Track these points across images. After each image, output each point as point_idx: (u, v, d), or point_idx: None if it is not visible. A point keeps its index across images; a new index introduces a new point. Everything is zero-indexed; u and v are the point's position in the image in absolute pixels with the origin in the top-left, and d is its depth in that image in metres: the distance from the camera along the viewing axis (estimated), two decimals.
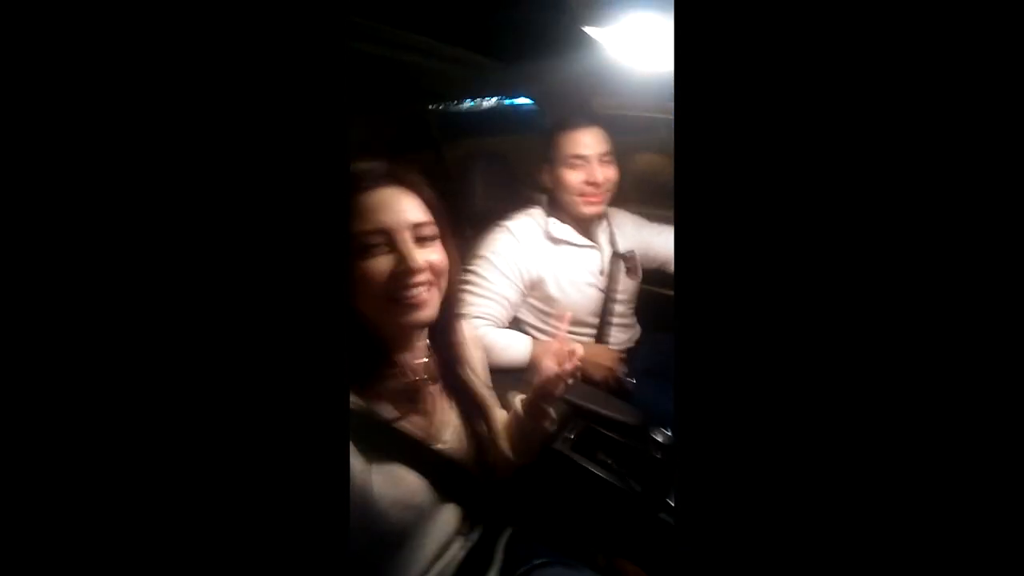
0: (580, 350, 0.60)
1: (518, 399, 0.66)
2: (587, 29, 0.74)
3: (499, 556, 0.63)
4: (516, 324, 1.06)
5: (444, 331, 0.60)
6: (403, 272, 0.50)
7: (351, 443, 0.49)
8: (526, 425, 0.65)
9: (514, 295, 1.00)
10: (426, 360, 0.59)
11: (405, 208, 0.52)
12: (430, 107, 1.33)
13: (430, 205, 0.54)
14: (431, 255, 0.52)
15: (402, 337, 0.57)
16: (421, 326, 0.54)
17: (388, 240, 0.51)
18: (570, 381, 0.60)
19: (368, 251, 0.50)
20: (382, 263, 0.50)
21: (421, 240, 0.53)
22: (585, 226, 1.07)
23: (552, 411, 0.66)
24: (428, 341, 0.61)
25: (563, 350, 0.60)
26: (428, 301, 0.53)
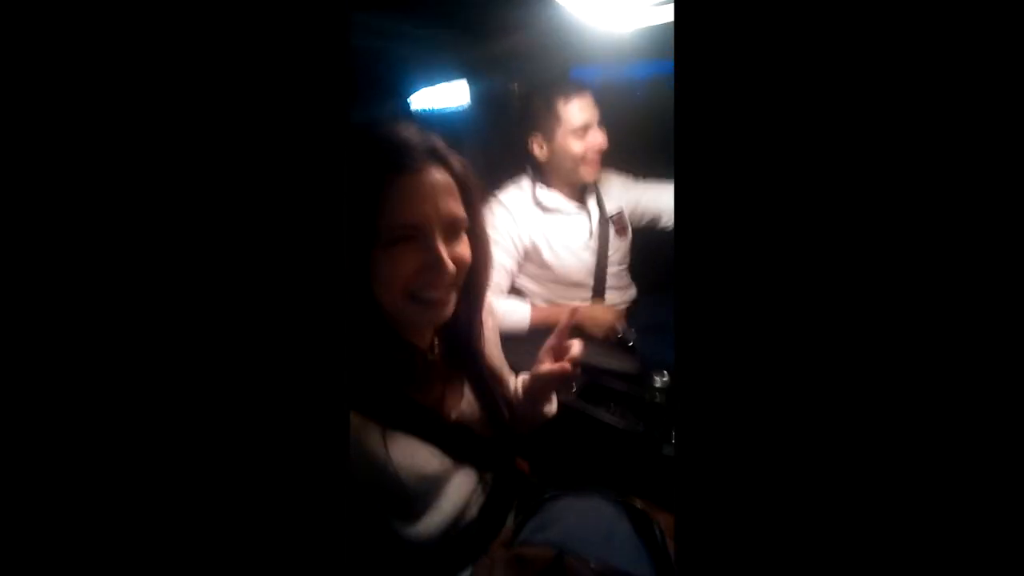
0: (577, 348, 0.59)
1: (520, 381, 0.67)
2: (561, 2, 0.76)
3: (514, 501, 0.66)
4: (516, 292, 1.10)
5: (462, 312, 0.57)
6: (431, 272, 0.48)
7: (368, 416, 0.51)
8: (526, 407, 0.66)
9: (511, 264, 1.04)
10: (434, 340, 0.59)
11: (445, 198, 0.49)
12: (412, 98, 1.36)
13: (465, 189, 0.51)
14: (458, 248, 0.50)
15: (411, 325, 0.56)
16: (434, 325, 0.53)
17: (422, 234, 0.48)
18: (569, 375, 0.59)
19: (400, 242, 0.48)
20: (410, 258, 0.48)
21: (453, 231, 0.50)
22: (573, 191, 1.10)
23: (554, 398, 0.68)
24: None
25: (560, 347, 0.59)
26: (448, 302, 0.51)
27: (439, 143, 0.51)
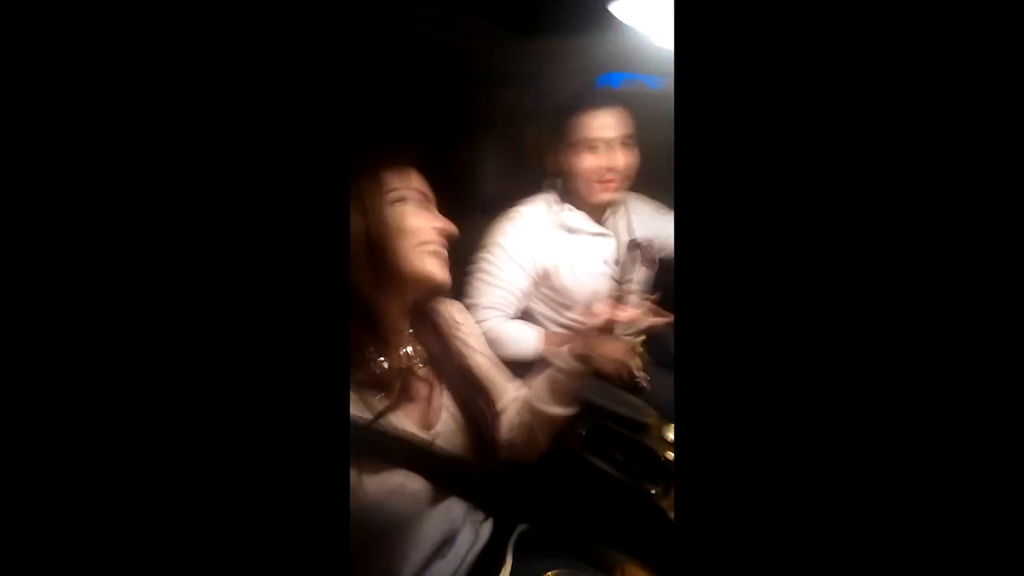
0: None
1: (565, 348, 0.61)
2: (612, 8, 0.68)
3: (509, 558, 0.62)
4: (527, 314, 1.03)
5: (426, 314, 0.61)
6: (436, 228, 0.55)
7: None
8: (567, 374, 0.60)
9: (526, 284, 0.97)
10: (411, 347, 0.59)
11: (418, 177, 0.57)
12: (450, 86, 1.28)
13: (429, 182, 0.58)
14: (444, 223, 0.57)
15: (390, 320, 0.56)
16: (443, 285, 0.56)
17: (420, 200, 0.56)
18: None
19: (404, 203, 0.54)
20: (418, 215, 0.54)
21: (429, 204, 0.57)
22: (600, 213, 1.02)
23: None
24: (411, 330, 0.60)
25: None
26: (447, 263, 0.56)
27: (399, 146, 0.58)
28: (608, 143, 0.93)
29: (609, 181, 0.94)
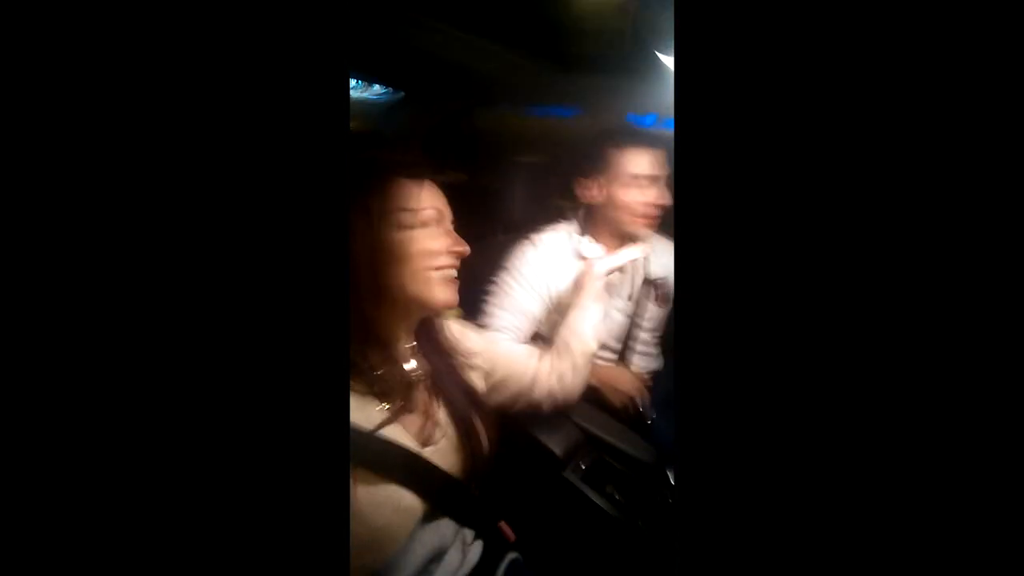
0: None
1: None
2: (660, 56, 0.71)
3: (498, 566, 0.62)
4: (536, 341, 1.03)
5: (430, 330, 0.63)
6: (452, 251, 0.56)
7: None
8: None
9: (539, 310, 0.98)
10: (414, 361, 0.60)
11: (442, 198, 0.58)
12: (477, 108, 1.32)
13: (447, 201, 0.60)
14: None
15: (395, 335, 0.58)
16: (451, 306, 0.58)
17: (438, 219, 0.56)
18: None
19: (423, 225, 0.55)
20: (435, 237, 0.55)
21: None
22: (618, 248, 1.03)
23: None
24: (415, 343, 0.61)
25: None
26: (457, 284, 0.57)
27: (426, 160, 0.59)
28: (655, 181, 0.95)
29: (651, 218, 0.97)
